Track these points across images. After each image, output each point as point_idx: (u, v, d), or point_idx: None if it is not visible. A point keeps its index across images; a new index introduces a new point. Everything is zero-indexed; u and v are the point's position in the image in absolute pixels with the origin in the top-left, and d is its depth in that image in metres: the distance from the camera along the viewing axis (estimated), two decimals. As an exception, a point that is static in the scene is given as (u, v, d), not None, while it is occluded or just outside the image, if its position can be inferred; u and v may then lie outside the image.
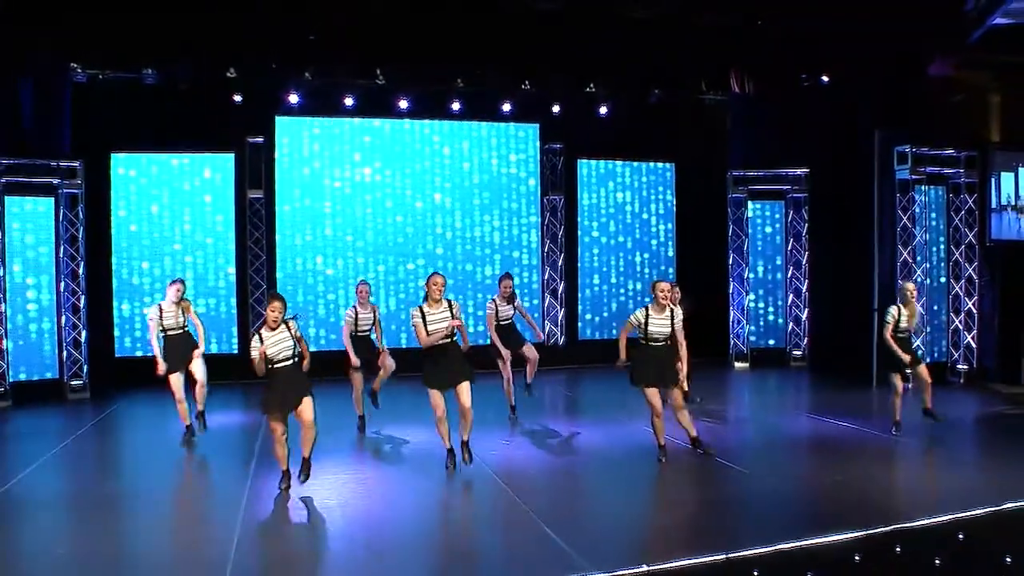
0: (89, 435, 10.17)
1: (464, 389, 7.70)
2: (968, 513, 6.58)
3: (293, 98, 13.32)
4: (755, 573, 5.76)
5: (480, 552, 6.13)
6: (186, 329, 9.18)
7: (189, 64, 12.55)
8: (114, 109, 12.78)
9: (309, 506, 6.95)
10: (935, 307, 12.75)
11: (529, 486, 7.58)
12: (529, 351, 10.06)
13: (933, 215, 12.65)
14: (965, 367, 12.63)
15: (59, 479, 8.21)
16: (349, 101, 13.60)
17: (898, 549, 6.25)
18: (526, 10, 10.46)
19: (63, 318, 12.11)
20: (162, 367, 8.96)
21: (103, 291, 12.97)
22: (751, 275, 14.85)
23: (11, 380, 11.72)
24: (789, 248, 14.73)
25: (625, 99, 14.61)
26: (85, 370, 12.26)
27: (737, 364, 14.71)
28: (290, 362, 7.04)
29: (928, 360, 12.43)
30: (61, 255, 12.10)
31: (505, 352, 9.79)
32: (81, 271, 12.28)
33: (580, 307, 15.37)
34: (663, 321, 7.93)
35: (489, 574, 5.72)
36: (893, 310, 9.01)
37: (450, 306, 7.64)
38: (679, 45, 12.93)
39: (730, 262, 14.90)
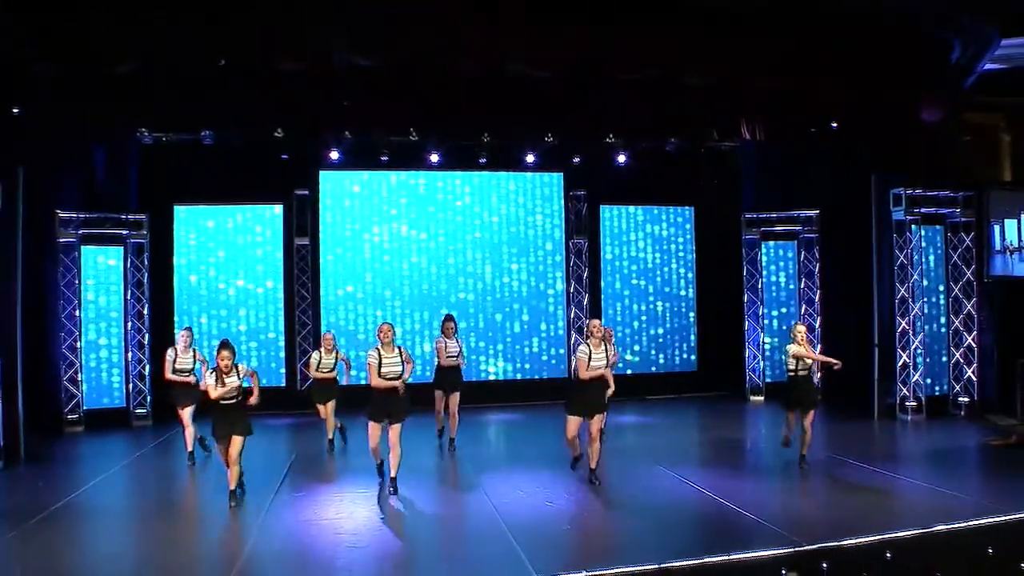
0: (148, 455, 11.59)
1: (394, 430, 8.85)
2: (898, 534, 7.32)
3: (334, 154, 14.63)
4: (684, 582, 6.66)
5: (449, 554, 7.17)
6: (194, 372, 10.58)
7: (241, 126, 13.96)
8: (176, 167, 14.31)
9: (315, 516, 8.10)
10: (935, 346, 13.31)
11: (510, 502, 8.60)
12: (452, 402, 11.28)
13: (931, 254, 13.24)
14: (966, 399, 13.13)
15: (118, 491, 9.70)
16: (385, 156, 14.86)
17: (824, 565, 7.05)
18: (531, 78, 11.49)
19: (129, 354, 13.61)
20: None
21: (165, 329, 14.37)
22: (767, 320, 15.54)
23: (85, 408, 13.25)
24: (802, 286, 15.43)
25: (643, 148, 15.51)
26: (148, 400, 13.69)
27: (752, 397, 15.41)
28: (233, 401, 8.44)
29: (929, 394, 13.05)
30: (128, 298, 13.62)
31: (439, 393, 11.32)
32: (146, 311, 13.81)
33: (605, 343, 16.24)
34: (600, 355, 8.95)
35: (448, 570, 6.74)
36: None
37: (400, 352, 8.89)
38: (685, 98, 13.80)
39: (745, 300, 15.65)
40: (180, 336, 10.86)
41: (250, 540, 7.47)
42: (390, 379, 8.83)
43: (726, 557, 6.82)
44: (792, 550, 6.97)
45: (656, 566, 6.65)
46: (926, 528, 7.43)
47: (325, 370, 11.42)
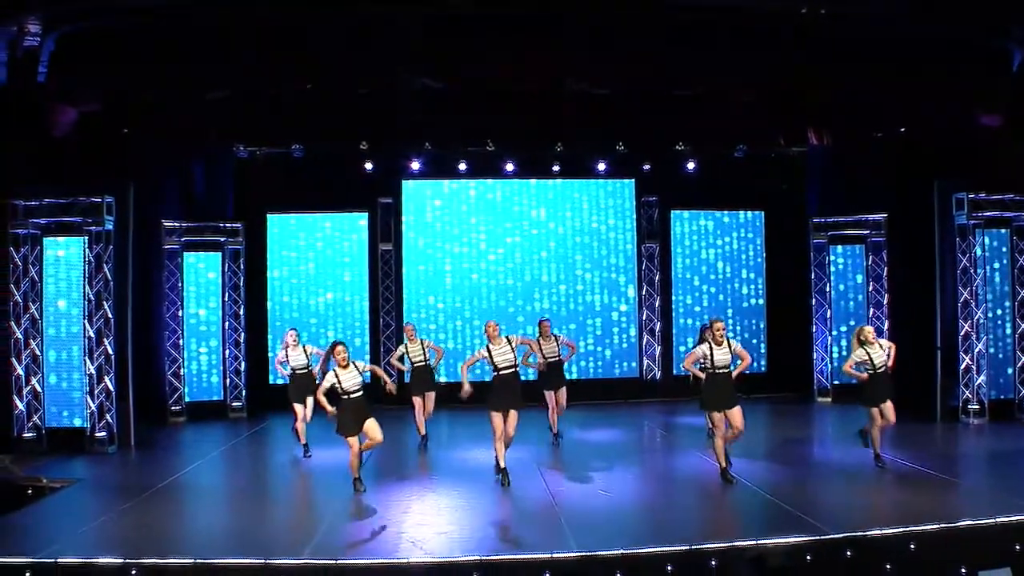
0: (242, 444, 12.77)
1: (512, 417, 9.46)
2: (922, 527, 7.68)
3: (415, 165, 15.58)
4: (712, 563, 7.22)
5: (503, 530, 7.99)
6: (309, 369, 11.33)
7: (328, 140, 15.01)
8: (268, 178, 15.48)
9: (389, 497, 8.98)
10: (1001, 351, 13.36)
11: (565, 487, 9.37)
12: (560, 396, 11.76)
13: (996, 259, 13.29)
14: (1033, 404, 13.16)
15: (214, 473, 10.91)
16: (463, 166, 15.71)
17: (848, 554, 7.49)
18: (585, 95, 12.14)
19: (227, 352, 14.82)
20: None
21: (260, 329, 15.60)
22: (835, 323, 15.75)
23: (187, 401, 14.52)
24: (870, 290, 15.59)
25: (713, 155, 15.96)
26: (244, 395, 14.91)
27: (820, 399, 15.66)
28: (359, 394, 9.12)
29: (994, 397, 13.10)
30: (225, 300, 14.84)
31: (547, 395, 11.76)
32: (241, 313, 15.01)
33: (675, 344, 16.75)
34: (724, 352, 9.34)
35: (498, 542, 7.51)
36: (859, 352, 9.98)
37: (509, 341, 9.48)
38: (751, 106, 14.23)
39: (813, 303, 15.90)
40: (288, 336, 11.47)
41: (328, 516, 8.44)
42: (504, 368, 9.42)
43: (754, 542, 7.35)
44: (817, 538, 7.44)
45: (687, 547, 7.24)
46: (951, 523, 7.76)
47: (416, 360, 11.88)
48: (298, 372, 11.33)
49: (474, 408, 12.91)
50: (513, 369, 9.48)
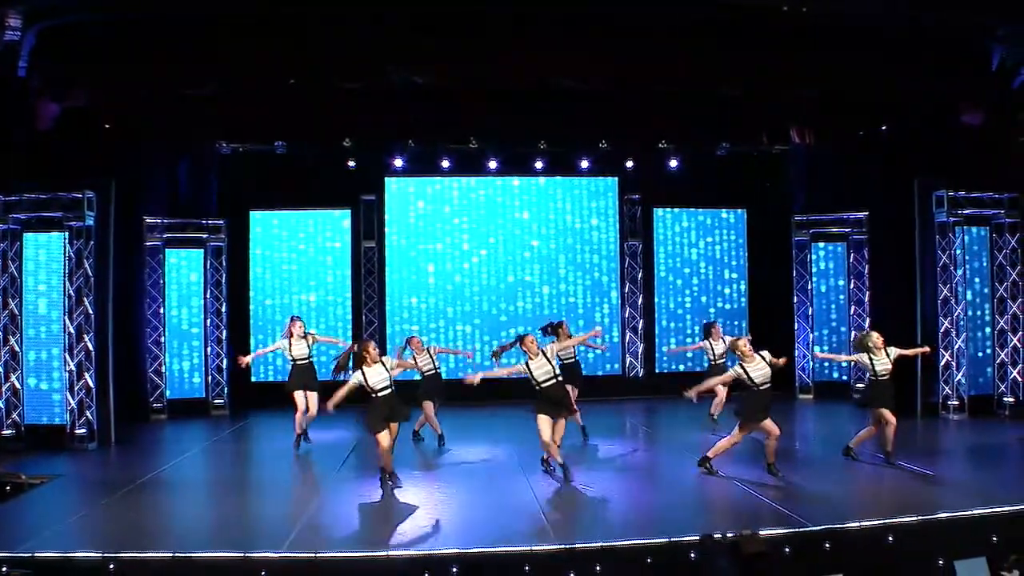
0: (225, 440, 12.74)
1: (560, 425, 9.57)
2: (900, 519, 7.75)
3: (398, 162, 15.55)
4: (691, 555, 7.25)
5: (486, 524, 7.97)
6: (310, 360, 11.39)
7: (311, 136, 14.97)
8: (251, 175, 15.44)
9: (373, 493, 8.97)
10: (980, 347, 13.48)
11: (546, 483, 9.38)
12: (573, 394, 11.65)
13: (975, 256, 13.41)
14: (1011, 400, 13.26)
15: (195, 469, 10.88)
16: (446, 163, 15.70)
17: (827, 546, 7.54)
18: (568, 92, 12.17)
19: (209, 348, 14.77)
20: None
21: (242, 326, 15.54)
22: (816, 320, 15.90)
23: (168, 398, 14.44)
24: (852, 287, 15.70)
25: (696, 153, 16.04)
26: (226, 391, 14.85)
27: (801, 396, 15.75)
28: (388, 391, 8.95)
29: (974, 393, 13.23)
30: (208, 297, 14.78)
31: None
32: (223, 310, 14.94)
33: (658, 342, 16.80)
34: (760, 366, 9.47)
35: (479, 536, 7.48)
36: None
37: (546, 354, 9.45)
38: (734, 104, 14.27)
39: (795, 301, 15.99)
40: (296, 326, 11.39)
41: (309, 510, 8.43)
42: (547, 380, 9.33)
43: (733, 534, 7.37)
44: (796, 530, 7.49)
45: (666, 540, 7.27)
46: (929, 515, 7.84)
47: (427, 369, 11.71)
48: (299, 363, 11.33)
49: (462, 406, 13.10)
50: (555, 380, 9.39)
